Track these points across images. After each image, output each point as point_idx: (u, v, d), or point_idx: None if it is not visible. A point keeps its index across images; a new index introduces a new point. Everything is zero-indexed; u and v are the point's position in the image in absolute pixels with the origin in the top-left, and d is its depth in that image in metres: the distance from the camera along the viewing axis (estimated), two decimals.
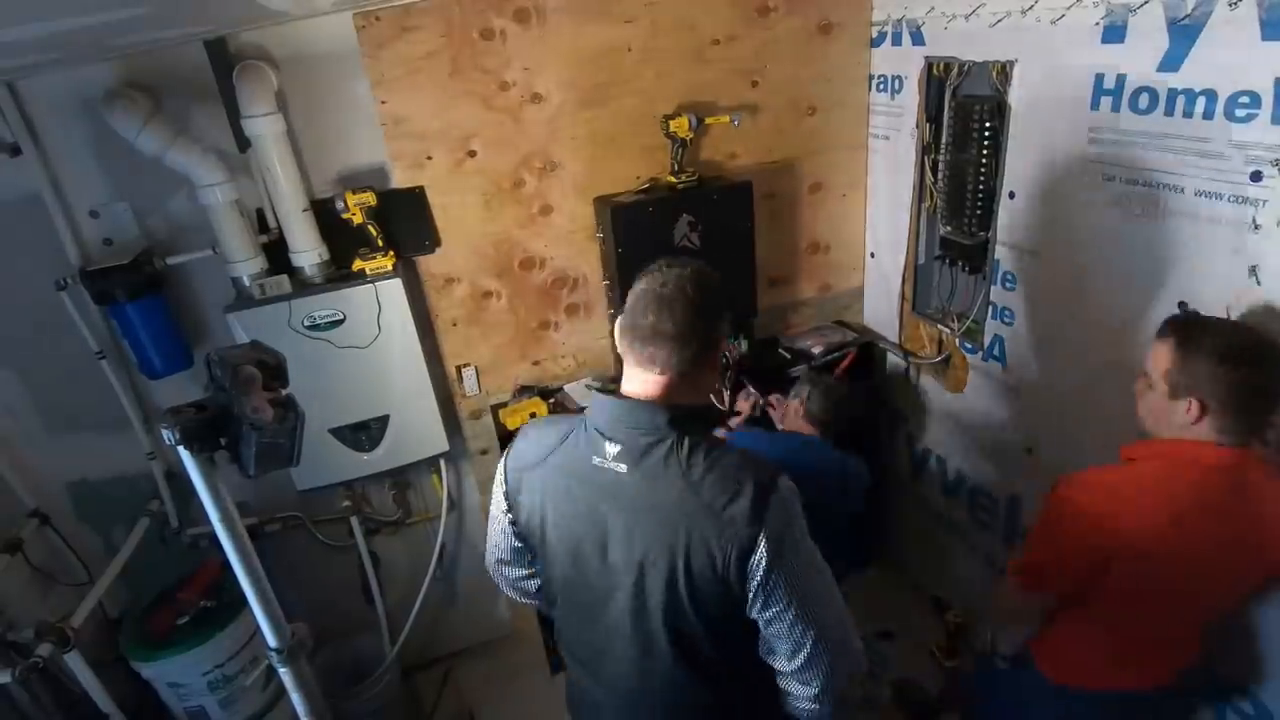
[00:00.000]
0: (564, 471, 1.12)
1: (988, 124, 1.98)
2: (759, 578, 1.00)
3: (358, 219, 1.96)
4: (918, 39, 2.16)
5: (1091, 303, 1.82)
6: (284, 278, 1.96)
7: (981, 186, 2.06)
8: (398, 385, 2.12)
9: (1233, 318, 1.49)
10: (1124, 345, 1.76)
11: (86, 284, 1.87)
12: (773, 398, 2.12)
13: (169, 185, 1.93)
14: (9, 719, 1.78)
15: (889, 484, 2.82)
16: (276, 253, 2.02)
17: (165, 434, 1.02)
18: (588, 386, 2.35)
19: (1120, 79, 1.60)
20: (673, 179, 2.17)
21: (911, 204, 2.35)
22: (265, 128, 1.85)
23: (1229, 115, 1.42)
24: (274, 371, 1.08)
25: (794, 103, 2.35)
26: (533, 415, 2.30)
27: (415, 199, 2.09)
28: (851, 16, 2.31)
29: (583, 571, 1.13)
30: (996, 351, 2.16)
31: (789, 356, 2.51)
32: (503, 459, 1.22)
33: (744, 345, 2.42)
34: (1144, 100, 1.57)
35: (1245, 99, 1.38)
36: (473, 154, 2.10)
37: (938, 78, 2.14)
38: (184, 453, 1.04)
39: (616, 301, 2.26)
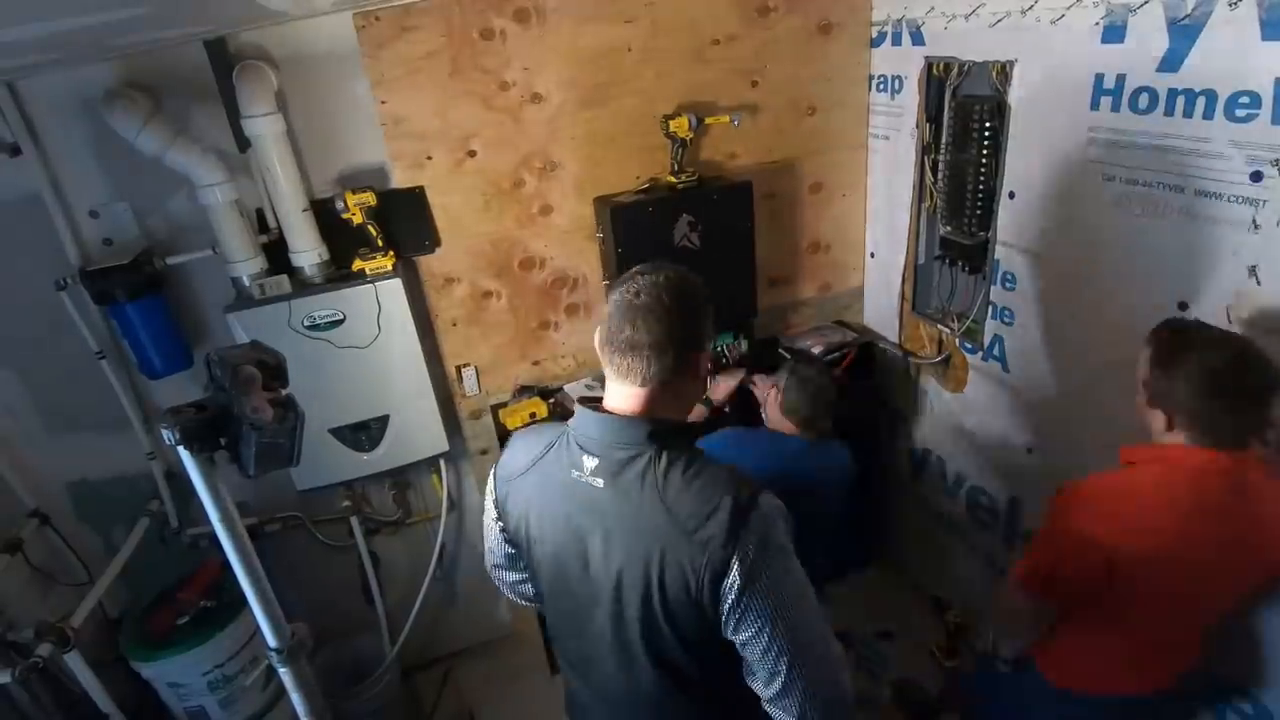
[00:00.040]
0: (547, 483, 1.11)
1: (988, 124, 1.98)
2: (731, 600, 0.97)
3: (358, 219, 1.96)
4: (918, 39, 2.16)
5: (1091, 303, 1.82)
6: (284, 278, 1.96)
7: (981, 186, 2.06)
8: (398, 385, 2.12)
9: (1232, 319, 1.49)
10: (1124, 345, 1.75)
11: (86, 284, 1.87)
12: (756, 378, 2.07)
13: (169, 185, 1.93)
14: (9, 719, 1.78)
15: (889, 484, 2.82)
16: (276, 253, 2.02)
17: (165, 434, 1.02)
18: (588, 387, 2.35)
19: (1120, 79, 1.61)
20: (673, 179, 2.17)
21: (911, 204, 2.35)
22: (265, 128, 1.85)
23: (1229, 115, 1.42)
24: (274, 371, 1.08)
25: (794, 103, 2.35)
26: (533, 415, 2.30)
27: (415, 199, 2.09)
28: (851, 16, 2.31)
29: (566, 581, 1.12)
30: (996, 351, 2.16)
31: (789, 356, 2.51)
32: (493, 467, 1.23)
33: (744, 345, 2.42)
34: (1144, 100, 1.57)
35: (1245, 99, 1.38)
36: (473, 154, 2.10)
37: (938, 78, 2.14)
38: (184, 453, 1.04)
39: None
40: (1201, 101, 1.46)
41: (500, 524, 1.21)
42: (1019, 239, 1.98)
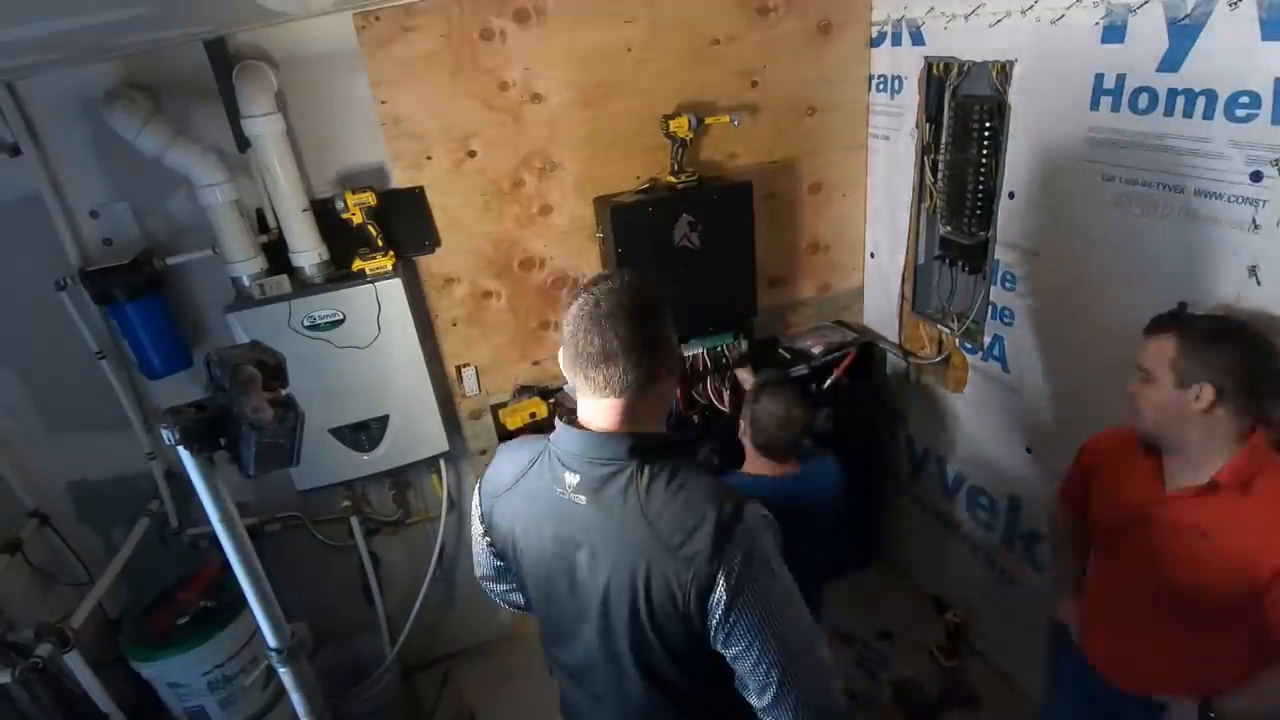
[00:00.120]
0: (531, 499, 1.10)
1: (988, 124, 1.98)
2: (719, 615, 0.96)
3: (358, 219, 1.96)
4: (918, 39, 2.16)
5: (1091, 302, 1.82)
6: (284, 278, 1.96)
7: (981, 186, 2.06)
8: (398, 385, 2.12)
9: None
10: (1124, 345, 1.75)
11: (86, 284, 1.87)
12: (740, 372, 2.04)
13: (169, 185, 1.93)
14: (9, 719, 1.78)
15: (889, 484, 2.82)
16: (276, 253, 2.02)
17: (165, 434, 1.02)
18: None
19: (1120, 79, 1.60)
20: (673, 179, 2.17)
21: (911, 204, 2.35)
22: (265, 128, 1.85)
23: (1229, 115, 1.42)
24: (274, 371, 1.08)
25: (794, 103, 2.35)
26: (533, 415, 2.30)
27: (415, 199, 2.09)
28: (851, 16, 2.31)
29: (554, 595, 1.12)
30: (996, 351, 2.16)
31: (789, 356, 2.51)
32: (478, 483, 1.22)
33: (744, 345, 2.42)
34: (1144, 100, 1.57)
35: (1245, 99, 1.38)
36: (473, 154, 2.10)
37: (938, 78, 2.14)
38: (184, 453, 1.04)
39: None
40: (1201, 101, 1.46)
41: (488, 539, 1.21)
42: (1019, 239, 1.98)
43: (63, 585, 2.06)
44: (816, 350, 2.49)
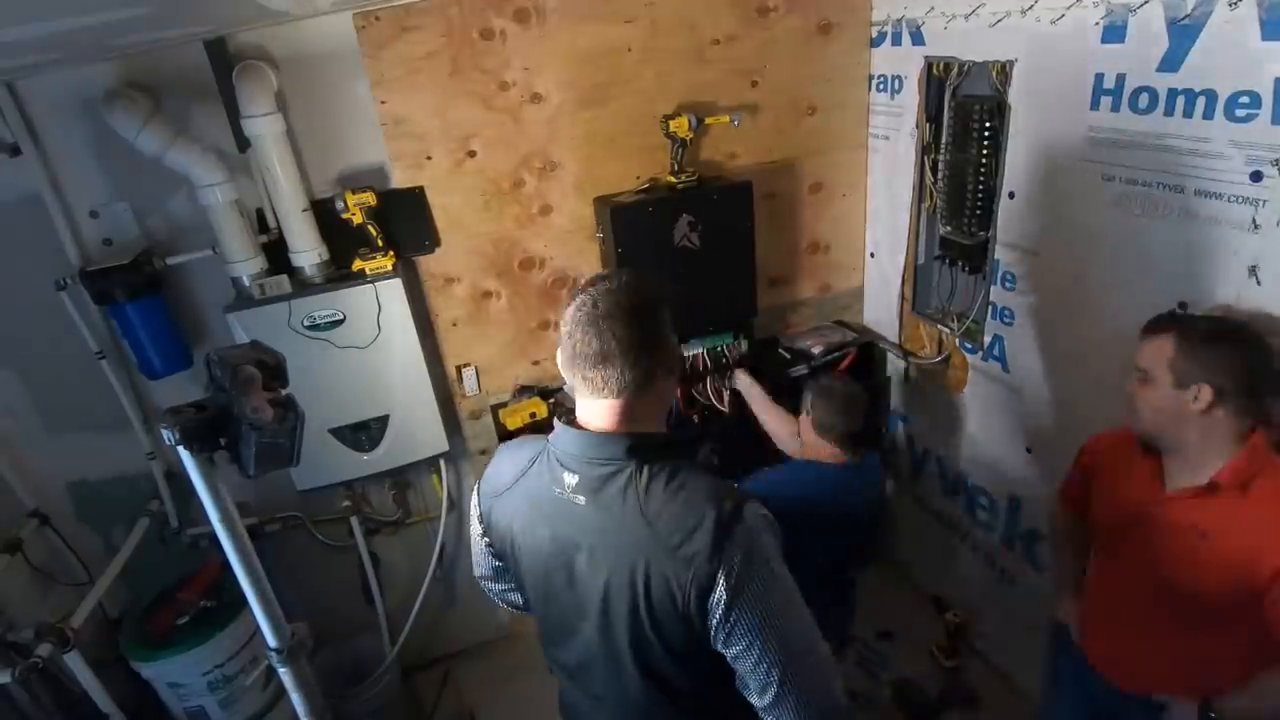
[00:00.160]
0: (530, 499, 1.10)
1: (988, 124, 1.98)
2: (719, 615, 0.96)
3: (358, 219, 1.96)
4: (918, 39, 2.16)
5: (1091, 302, 1.82)
6: (284, 278, 1.96)
7: (981, 186, 2.06)
8: (398, 385, 2.12)
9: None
10: (1124, 345, 1.74)
11: (86, 284, 1.87)
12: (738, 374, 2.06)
13: (169, 185, 1.93)
14: (9, 719, 1.78)
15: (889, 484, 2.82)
16: (276, 253, 2.02)
17: (165, 434, 1.02)
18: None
19: (1120, 79, 1.60)
20: (673, 179, 2.17)
21: (911, 204, 2.35)
22: (265, 128, 1.85)
23: (1229, 115, 1.42)
24: (274, 371, 1.08)
25: (794, 103, 2.35)
26: (533, 415, 2.30)
27: (415, 199, 2.09)
28: (851, 16, 2.31)
29: (553, 595, 1.12)
30: (996, 351, 2.16)
31: (789, 356, 2.51)
32: (477, 483, 1.22)
33: (744, 345, 2.42)
34: (1144, 100, 1.57)
35: (1245, 99, 1.38)
36: (473, 154, 2.10)
37: (938, 78, 2.14)
38: (184, 453, 1.04)
39: None
40: (1201, 101, 1.46)
41: (486, 539, 1.21)
42: (1019, 239, 1.98)
43: (63, 585, 2.06)
44: (816, 350, 2.49)
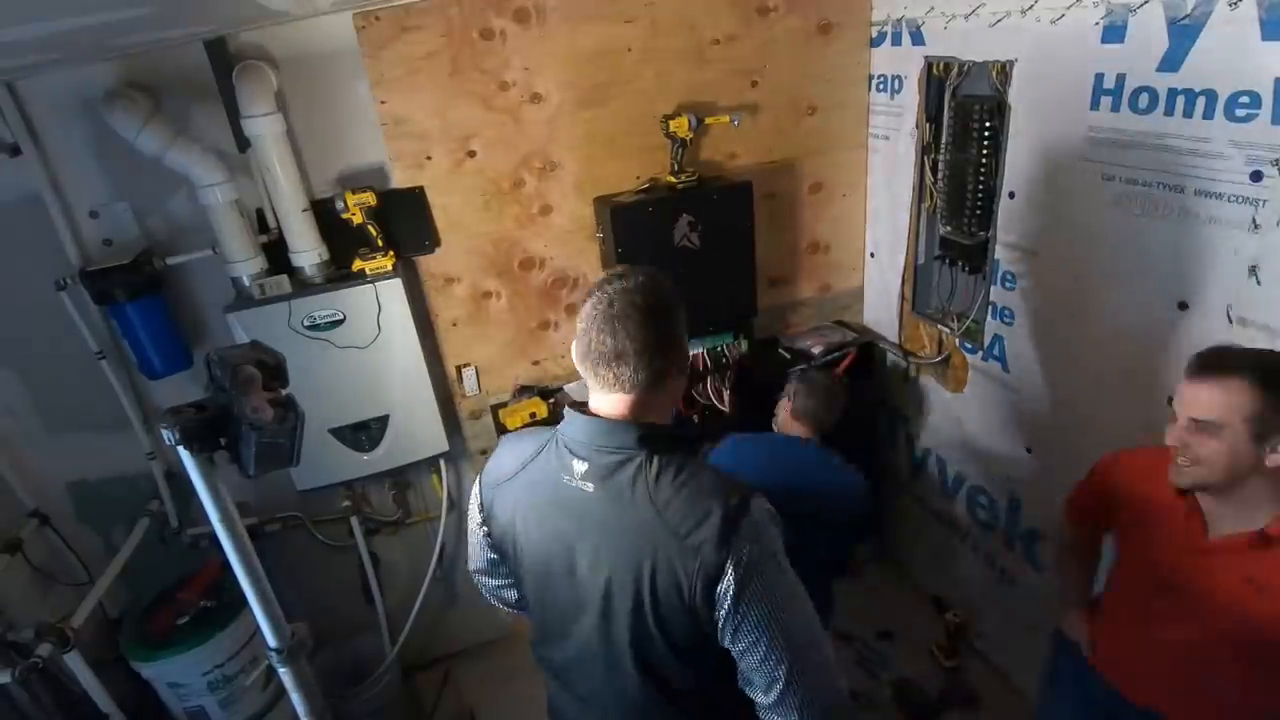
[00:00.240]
0: (534, 488, 1.10)
1: (988, 124, 1.98)
2: (727, 606, 0.96)
3: (358, 219, 1.96)
4: (917, 39, 2.16)
5: (1091, 302, 1.82)
6: (284, 278, 1.96)
7: (981, 186, 2.06)
8: (398, 385, 2.12)
9: (1232, 319, 1.49)
10: (1124, 345, 1.76)
11: (86, 284, 1.87)
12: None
13: (169, 185, 1.93)
14: (9, 719, 1.78)
15: (889, 484, 2.82)
16: (276, 253, 2.02)
17: (165, 434, 1.02)
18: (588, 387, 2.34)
19: (1120, 79, 1.61)
20: (673, 179, 2.17)
21: (911, 204, 2.35)
22: (265, 128, 1.85)
23: (1229, 115, 1.42)
24: (274, 371, 1.08)
25: (794, 103, 2.35)
26: (533, 415, 2.30)
27: (415, 199, 2.09)
28: (851, 16, 2.31)
29: (552, 588, 1.12)
30: (996, 351, 2.16)
31: (789, 356, 2.51)
32: (479, 474, 1.22)
33: (744, 345, 2.42)
34: (1144, 100, 1.57)
35: (1245, 99, 1.38)
36: (473, 154, 2.10)
37: (938, 78, 2.14)
38: (184, 453, 1.04)
39: None
40: (1201, 101, 1.46)
41: (485, 529, 1.20)
42: (1019, 239, 1.98)
43: (63, 585, 2.06)
44: (816, 350, 2.49)
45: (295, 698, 1.32)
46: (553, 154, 2.17)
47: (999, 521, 2.33)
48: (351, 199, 1.94)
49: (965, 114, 2.06)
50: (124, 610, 2.14)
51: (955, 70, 2.06)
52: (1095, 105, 1.67)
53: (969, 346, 2.27)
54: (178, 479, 2.18)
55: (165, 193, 1.95)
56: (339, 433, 2.11)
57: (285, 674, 1.28)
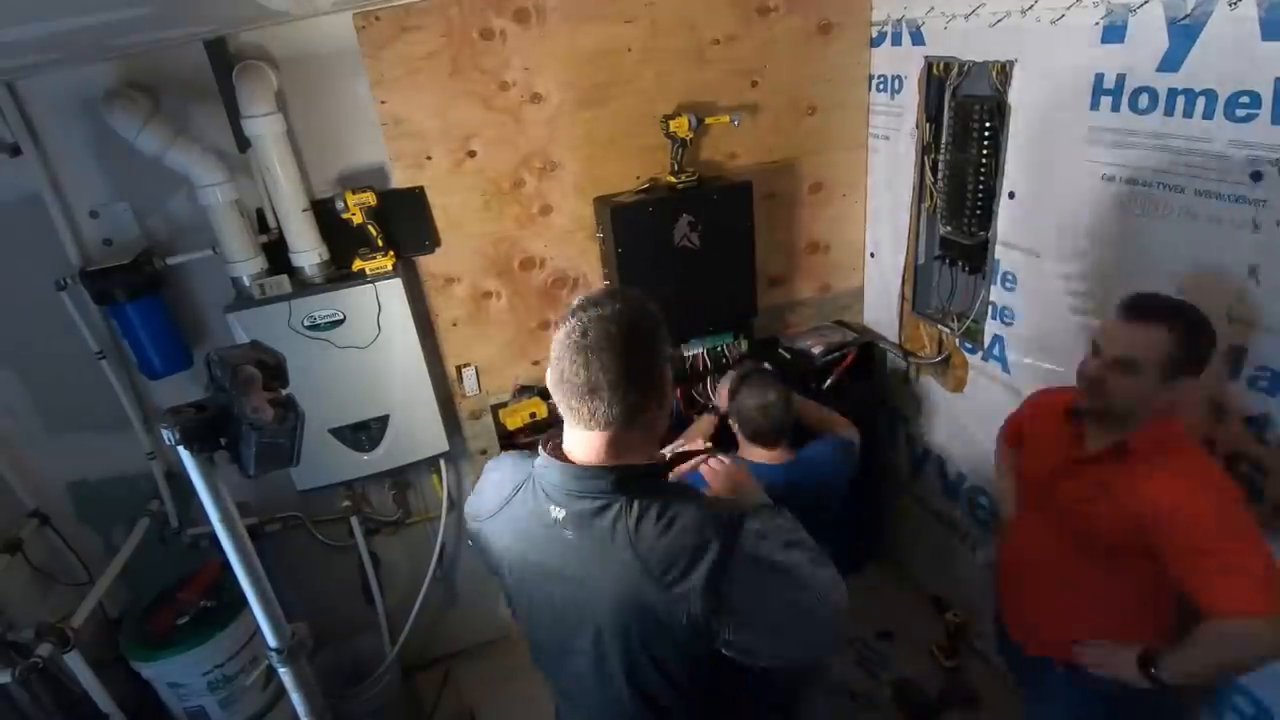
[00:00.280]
0: (517, 527, 1.07)
1: (988, 124, 1.98)
2: (723, 639, 0.95)
3: (358, 219, 1.96)
4: (918, 39, 2.16)
5: (1091, 303, 1.82)
6: (284, 278, 1.96)
7: (981, 186, 2.06)
8: (398, 385, 2.12)
9: (1232, 319, 1.49)
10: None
11: (86, 284, 1.87)
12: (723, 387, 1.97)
13: (169, 185, 1.93)
14: (9, 719, 1.78)
15: (889, 484, 2.82)
16: (276, 253, 2.02)
17: (165, 434, 1.02)
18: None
19: (1120, 79, 1.60)
20: (673, 179, 2.17)
21: (911, 204, 2.35)
22: (265, 128, 1.85)
23: (1229, 115, 1.42)
24: (274, 371, 1.08)
25: (794, 103, 2.35)
26: (532, 415, 2.30)
27: (415, 199, 2.09)
28: (851, 16, 2.31)
29: (543, 622, 1.11)
30: (996, 351, 2.16)
31: (789, 357, 2.51)
32: (468, 502, 1.19)
33: (744, 345, 2.42)
34: (1144, 100, 1.57)
35: (1245, 99, 1.38)
36: (473, 154, 2.10)
37: (938, 78, 2.14)
38: (184, 453, 1.04)
39: None
40: (1201, 101, 1.46)
41: (482, 555, 1.19)
42: (1019, 239, 1.98)
43: (63, 585, 2.06)
44: (816, 350, 2.49)
45: (295, 698, 1.32)
46: (553, 154, 2.17)
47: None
48: (351, 199, 1.94)
49: (965, 114, 2.06)
50: (124, 610, 2.14)
51: (955, 70, 2.06)
52: (1095, 105, 1.67)
53: (969, 347, 2.27)
54: (178, 479, 2.18)
55: (165, 193, 1.95)
56: (339, 433, 2.11)
57: (285, 674, 1.28)
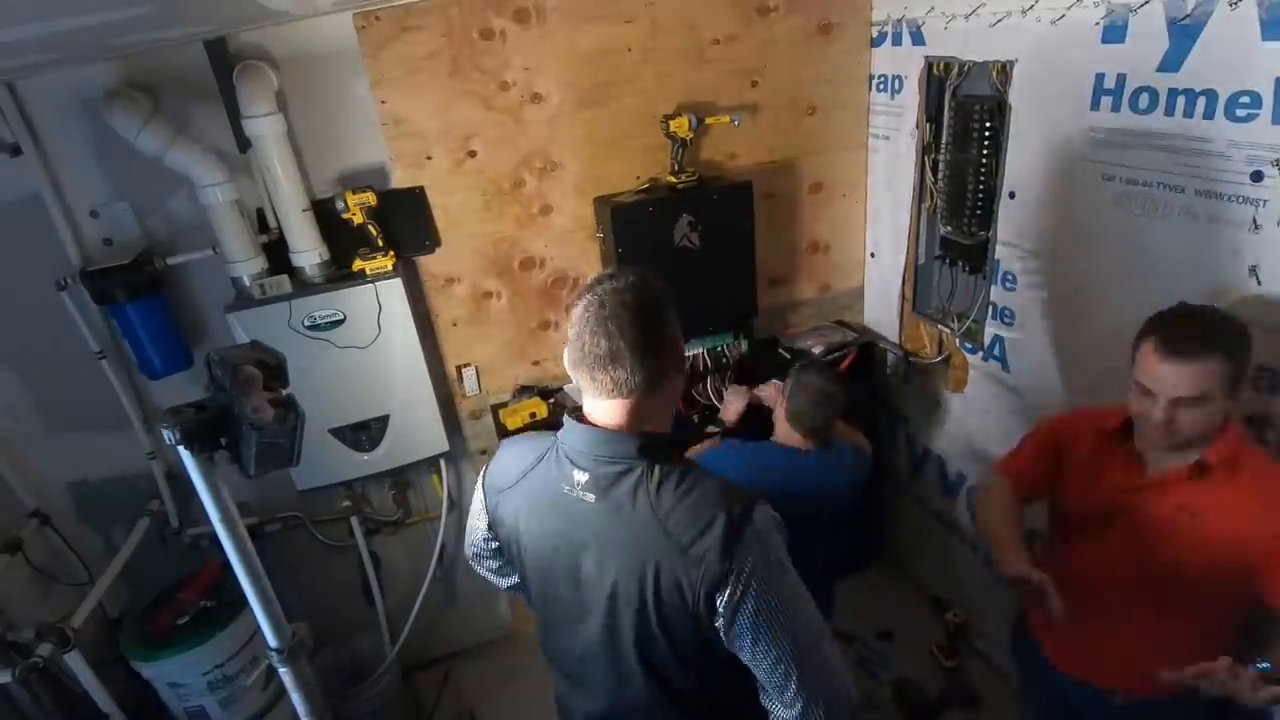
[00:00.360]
0: (537, 496, 1.10)
1: (988, 124, 1.98)
2: (730, 615, 0.97)
3: (358, 219, 1.96)
4: (918, 39, 2.16)
5: (1092, 303, 1.82)
6: (284, 278, 1.96)
7: (981, 186, 2.06)
8: (398, 385, 2.12)
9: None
10: (1124, 345, 1.75)
11: (86, 284, 1.87)
12: (762, 388, 2.03)
13: (169, 185, 1.93)
14: (9, 719, 1.78)
15: (889, 484, 2.82)
16: (276, 253, 2.02)
17: (165, 434, 1.02)
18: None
19: (1120, 79, 1.60)
20: (673, 179, 2.17)
21: (911, 204, 2.35)
22: (265, 128, 1.85)
23: (1229, 115, 1.42)
24: (274, 371, 1.07)
25: (794, 103, 2.35)
26: (533, 415, 2.30)
27: (415, 199, 2.09)
28: (851, 16, 2.31)
29: (556, 594, 1.12)
30: (996, 351, 2.16)
31: (789, 356, 2.51)
32: (482, 473, 1.21)
33: (744, 345, 2.42)
34: (1144, 100, 1.57)
35: (1245, 99, 1.38)
36: (473, 154, 2.10)
37: (938, 78, 2.14)
38: (184, 453, 1.04)
39: None
40: (1202, 101, 1.46)
41: (490, 532, 1.21)
42: (1019, 239, 1.98)
43: (63, 585, 2.06)
44: (816, 350, 2.49)
45: (295, 698, 1.32)
46: (553, 154, 2.17)
47: None
48: (352, 199, 1.94)
49: (965, 114, 2.06)
50: (124, 610, 2.14)
51: (955, 70, 2.06)
52: (1096, 105, 1.67)
53: (969, 346, 2.27)
54: (178, 479, 2.18)
55: (165, 193, 1.95)
56: (339, 433, 2.11)
57: (285, 674, 1.28)
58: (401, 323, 2.06)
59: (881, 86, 2.38)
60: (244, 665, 2.03)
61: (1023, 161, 1.91)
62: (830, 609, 1.92)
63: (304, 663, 1.29)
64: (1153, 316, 1.32)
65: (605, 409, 1.03)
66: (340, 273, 2.04)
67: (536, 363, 2.39)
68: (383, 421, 2.14)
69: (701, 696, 1.10)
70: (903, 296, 2.51)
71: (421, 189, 2.09)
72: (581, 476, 1.03)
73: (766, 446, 1.82)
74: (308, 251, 2.00)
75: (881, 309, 2.65)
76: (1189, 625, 1.35)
